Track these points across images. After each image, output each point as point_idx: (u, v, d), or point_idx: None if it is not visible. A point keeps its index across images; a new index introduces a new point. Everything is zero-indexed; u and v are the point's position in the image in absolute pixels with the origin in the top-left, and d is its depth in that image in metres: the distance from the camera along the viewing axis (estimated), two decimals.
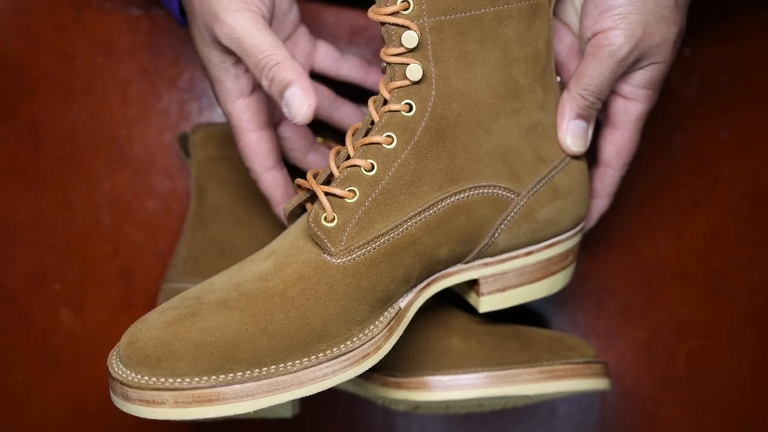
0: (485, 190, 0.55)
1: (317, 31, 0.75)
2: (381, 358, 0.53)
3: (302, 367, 0.50)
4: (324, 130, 0.70)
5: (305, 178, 0.55)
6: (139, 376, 0.49)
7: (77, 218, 0.76)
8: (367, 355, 0.53)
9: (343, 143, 0.61)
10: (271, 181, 0.60)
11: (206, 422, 0.73)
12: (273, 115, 0.61)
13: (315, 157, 0.65)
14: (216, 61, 0.56)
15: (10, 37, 0.76)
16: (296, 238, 0.54)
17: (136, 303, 0.76)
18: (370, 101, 0.55)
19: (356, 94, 0.70)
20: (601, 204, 0.64)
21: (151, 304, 0.75)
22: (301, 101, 0.52)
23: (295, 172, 0.65)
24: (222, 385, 0.49)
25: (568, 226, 0.60)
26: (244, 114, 0.58)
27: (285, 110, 0.53)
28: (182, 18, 0.61)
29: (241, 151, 0.60)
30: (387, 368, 0.63)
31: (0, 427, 0.76)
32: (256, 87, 0.58)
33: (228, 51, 0.56)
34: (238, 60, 0.56)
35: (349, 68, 0.68)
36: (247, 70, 0.58)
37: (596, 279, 0.77)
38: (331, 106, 0.67)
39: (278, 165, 0.61)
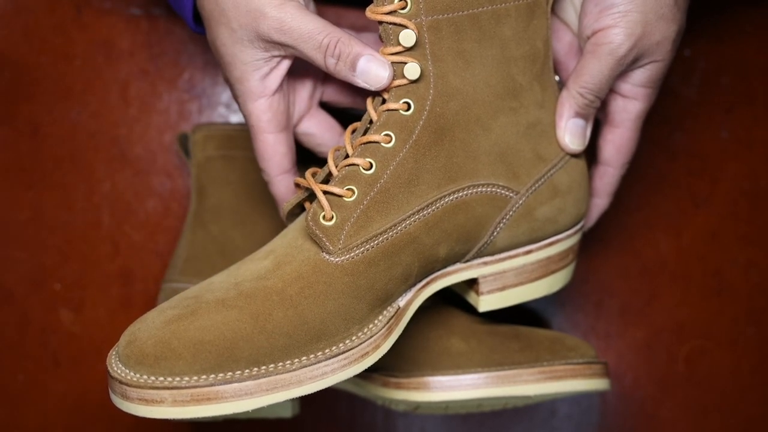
0: (484, 189, 0.55)
1: None
2: (380, 356, 0.53)
3: (301, 366, 0.50)
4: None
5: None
6: (138, 375, 0.49)
7: (77, 218, 0.76)
8: (366, 354, 0.52)
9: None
10: (284, 185, 0.60)
11: (206, 422, 0.73)
12: (291, 119, 0.61)
13: None
14: (247, 59, 0.56)
15: (10, 37, 0.76)
16: (295, 237, 0.54)
17: (136, 303, 0.76)
18: (369, 100, 0.55)
19: None
20: (600, 203, 0.64)
21: (151, 304, 0.75)
22: (379, 65, 0.53)
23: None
24: (221, 384, 0.49)
25: (568, 225, 0.60)
26: (265, 114, 0.58)
27: (359, 81, 0.54)
28: (195, 25, 0.61)
29: (257, 153, 0.60)
30: (387, 368, 0.63)
31: (0, 427, 0.76)
32: (280, 88, 0.58)
33: (271, 46, 0.55)
34: (274, 56, 0.56)
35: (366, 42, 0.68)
36: (276, 66, 0.57)
37: (596, 279, 0.77)
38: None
39: (292, 169, 0.60)
